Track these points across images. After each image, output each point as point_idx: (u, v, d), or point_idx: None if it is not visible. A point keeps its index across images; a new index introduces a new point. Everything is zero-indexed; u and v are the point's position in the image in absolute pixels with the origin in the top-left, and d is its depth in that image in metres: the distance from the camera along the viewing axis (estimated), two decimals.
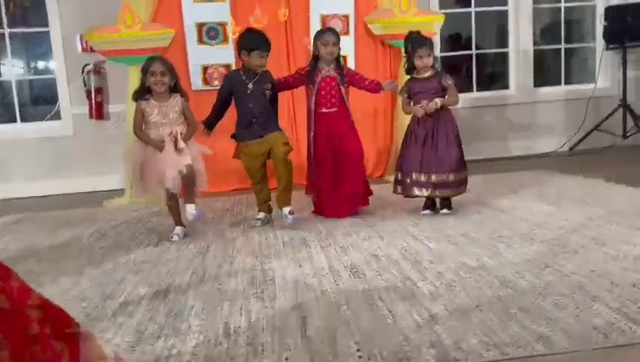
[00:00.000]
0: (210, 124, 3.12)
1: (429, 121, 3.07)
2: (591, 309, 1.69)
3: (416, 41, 3.10)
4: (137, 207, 3.92)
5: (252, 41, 3.04)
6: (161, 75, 2.83)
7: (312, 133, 3.22)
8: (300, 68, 3.35)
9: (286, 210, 3.03)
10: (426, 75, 3.11)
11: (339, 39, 3.19)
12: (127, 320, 1.86)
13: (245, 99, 3.06)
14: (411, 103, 3.14)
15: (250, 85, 3.04)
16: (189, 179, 2.89)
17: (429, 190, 3.06)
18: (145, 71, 2.87)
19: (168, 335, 1.71)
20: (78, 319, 1.90)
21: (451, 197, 3.12)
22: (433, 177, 3.03)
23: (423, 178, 3.06)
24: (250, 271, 2.31)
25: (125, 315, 1.91)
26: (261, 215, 3.21)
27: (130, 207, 4.00)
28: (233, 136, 3.14)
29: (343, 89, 3.20)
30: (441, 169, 3.02)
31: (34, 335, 0.87)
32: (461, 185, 3.10)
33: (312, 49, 3.26)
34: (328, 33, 3.19)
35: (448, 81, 3.07)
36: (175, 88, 2.94)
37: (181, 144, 2.84)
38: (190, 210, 2.93)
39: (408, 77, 3.21)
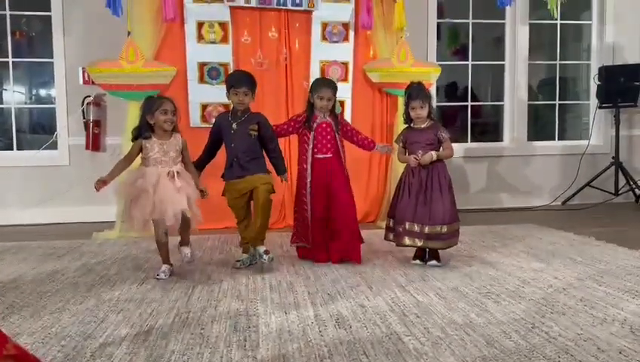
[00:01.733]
0: (200, 164, 3.17)
1: (423, 172, 3.09)
2: None
3: (411, 92, 3.15)
4: (126, 241, 3.89)
5: (229, 79, 3.18)
6: (172, 114, 2.88)
7: (308, 180, 3.23)
8: (295, 115, 3.39)
9: (261, 249, 3.03)
10: (422, 125, 3.16)
11: (335, 91, 3.23)
12: None
13: (229, 139, 3.12)
14: (406, 153, 3.17)
15: (234, 125, 3.10)
16: (184, 222, 2.90)
17: (422, 241, 3.05)
18: (150, 108, 2.89)
19: None
20: (57, 359, 1.88)
21: (442, 249, 3.11)
22: (426, 228, 3.03)
23: (415, 228, 3.06)
24: (235, 316, 2.28)
25: (104, 357, 1.87)
26: (243, 256, 3.20)
27: (119, 240, 3.97)
28: (223, 176, 3.17)
29: (337, 136, 3.24)
30: (434, 221, 3.03)
31: None
32: (453, 236, 3.09)
33: (309, 97, 3.30)
34: (325, 88, 3.21)
35: (444, 135, 3.11)
36: (175, 128, 2.97)
37: (177, 183, 2.84)
38: (185, 251, 2.95)
39: (405, 126, 3.26)
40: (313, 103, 3.23)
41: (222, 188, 3.25)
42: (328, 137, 3.23)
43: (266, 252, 3.00)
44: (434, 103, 3.24)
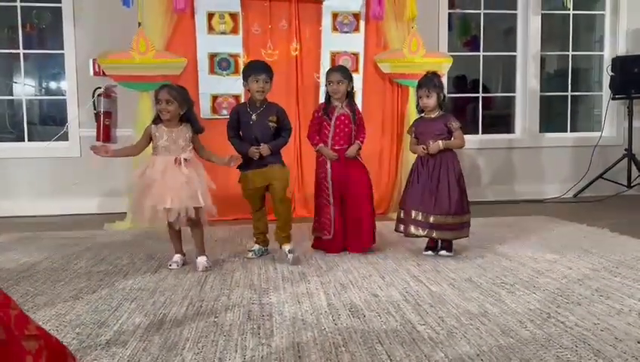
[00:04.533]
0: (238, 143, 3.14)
1: (432, 162, 3.07)
2: None
3: (420, 81, 3.14)
4: (138, 232, 3.90)
5: (248, 68, 3.15)
6: (166, 103, 2.85)
7: (329, 170, 3.20)
8: (315, 110, 3.34)
9: (286, 247, 3.03)
10: (433, 115, 3.13)
11: (346, 76, 3.20)
12: (121, 350, 1.82)
13: (249, 130, 3.09)
14: (418, 143, 3.15)
15: (253, 116, 3.07)
16: (195, 222, 2.92)
17: (426, 230, 3.03)
18: (155, 97, 2.91)
19: None
20: (72, 345, 1.89)
21: (451, 239, 3.09)
22: (431, 218, 3.02)
23: (420, 217, 3.05)
24: (248, 305, 2.28)
25: (119, 345, 1.87)
26: (255, 247, 3.20)
27: (130, 231, 3.98)
28: (239, 167, 3.15)
29: (354, 127, 3.23)
30: (439, 210, 3.01)
31: None
32: (462, 228, 3.07)
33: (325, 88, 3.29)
34: (332, 72, 3.23)
35: (454, 124, 3.08)
36: (187, 117, 2.94)
37: (184, 171, 2.84)
38: (202, 260, 2.92)
39: (417, 116, 3.25)
40: (327, 92, 3.23)
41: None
42: (346, 130, 3.22)
43: (291, 251, 3.00)
44: (445, 94, 3.18)
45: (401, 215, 3.16)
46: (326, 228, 3.23)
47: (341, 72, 3.22)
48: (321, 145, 3.22)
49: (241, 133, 3.15)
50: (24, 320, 0.87)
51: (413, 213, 3.06)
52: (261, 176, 3.09)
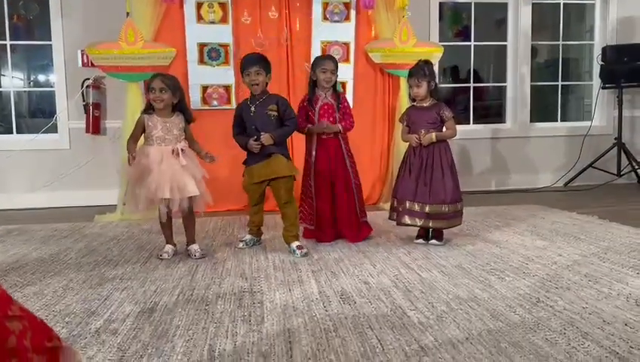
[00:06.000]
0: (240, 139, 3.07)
1: (424, 151, 3.08)
2: (582, 346, 1.67)
3: (410, 70, 3.13)
4: (128, 223, 3.89)
5: (241, 63, 3.09)
6: (159, 92, 2.83)
7: (312, 160, 3.22)
8: (301, 100, 3.33)
9: (294, 245, 3.00)
10: (425, 104, 3.13)
11: (337, 67, 3.21)
12: (111, 338, 1.82)
13: (250, 122, 3.03)
14: (410, 131, 3.15)
15: (252, 108, 3.04)
16: (189, 212, 2.91)
17: (423, 220, 3.04)
18: (147, 86, 2.89)
19: (151, 355, 1.68)
20: (61, 334, 1.87)
21: (445, 228, 3.11)
22: (427, 208, 3.02)
23: (416, 207, 3.05)
24: (239, 293, 2.28)
25: (109, 333, 1.87)
26: (247, 237, 3.19)
27: (121, 223, 3.96)
28: (244, 162, 3.11)
29: (338, 115, 3.22)
30: (435, 199, 3.01)
31: (12, 349, 0.84)
32: (456, 217, 3.08)
33: (310, 75, 3.27)
34: (327, 61, 3.22)
35: (447, 113, 3.08)
36: (179, 107, 2.93)
37: (182, 161, 2.83)
38: (195, 247, 2.93)
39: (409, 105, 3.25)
40: (315, 81, 3.21)
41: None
42: (330, 119, 3.22)
43: (299, 247, 2.97)
44: (437, 82, 3.17)
45: (395, 204, 3.17)
46: (308, 218, 3.25)
47: (334, 62, 3.22)
48: (309, 125, 3.21)
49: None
50: (7, 300, 0.86)
51: (408, 204, 3.06)
52: (266, 168, 3.01)
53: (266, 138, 2.95)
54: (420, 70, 3.09)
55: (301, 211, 3.28)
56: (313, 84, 3.24)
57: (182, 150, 2.83)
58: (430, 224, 3.05)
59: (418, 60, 3.17)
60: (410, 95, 3.20)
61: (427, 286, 2.31)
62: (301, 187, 3.31)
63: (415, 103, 3.18)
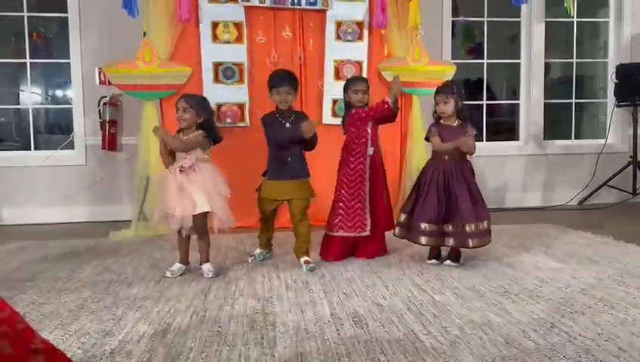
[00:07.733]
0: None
1: (447, 168, 3.06)
2: None
3: (438, 88, 3.14)
4: (142, 240, 3.92)
5: (271, 79, 3.14)
6: (182, 111, 2.91)
7: (367, 175, 3.22)
8: (355, 121, 3.28)
9: (302, 259, 3.06)
10: (453, 123, 3.11)
11: (368, 87, 3.27)
12: (125, 360, 1.83)
13: (283, 135, 3.07)
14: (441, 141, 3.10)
15: (287, 124, 3.08)
16: (201, 231, 2.94)
17: (444, 239, 3.01)
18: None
19: None
20: (77, 355, 1.90)
21: (474, 248, 3.03)
22: (450, 227, 3.00)
23: (438, 228, 3.01)
24: (252, 314, 2.29)
25: (123, 354, 1.88)
26: (257, 251, 3.24)
27: (135, 239, 4.00)
28: (264, 174, 3.15)
29: (372, 126, 3.23)
30: (459, 220, 2.98)
31: None
32: (484, 235, 3.02)
33: (344, 96, 3.32)
34: (359, 82, 3.27)
35: (470, 131, 3.06)
36: (204, 126, 2.95)
37: (179, 178, 2.86)
38: (208, 267, 2.95)
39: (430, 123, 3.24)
40: (349, 102, 3.26)
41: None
42: (374, 130, 3.26)
43: (306, 262, 3.02)
44: (464, 102, 3.14)
45: (402, 219, 3.16)
46: (358, 225, 3.24)
47: (366, 81, 3.30)
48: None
49: (268, 141, 3.15)
50: (30, 334, 0.88)
51: (428, 225, 3.01)
52: (285, 188, 3.08)
53: (308, 125, 3.00)
54: (448, 88, 3.11)
55: (330, 216, 3.26)
56: (347, 105, 3.28)
57: (182, 167, 2.87)
58: (451, 243, 3.01)
59: (445, 80, 3.21)
60: (434, 113, 3.18)
61: (440, 310, 2.30)
62: (341, 195, 3.24)
63: (442, 121, 3.16)
